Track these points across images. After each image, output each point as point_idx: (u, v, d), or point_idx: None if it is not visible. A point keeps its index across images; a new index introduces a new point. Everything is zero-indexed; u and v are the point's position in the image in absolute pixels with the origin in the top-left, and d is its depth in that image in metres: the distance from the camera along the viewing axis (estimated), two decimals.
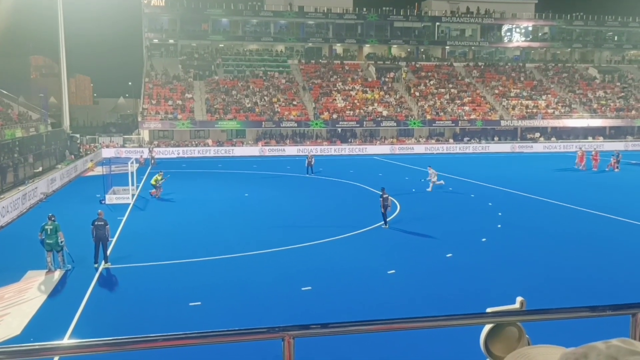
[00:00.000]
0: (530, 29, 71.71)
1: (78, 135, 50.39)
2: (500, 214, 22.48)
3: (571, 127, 59.54)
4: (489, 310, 1.70)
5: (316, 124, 54.56)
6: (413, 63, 67.25)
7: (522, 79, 65.93)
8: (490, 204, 24.84)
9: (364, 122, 55.29)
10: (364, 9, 68.40)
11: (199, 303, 12.35)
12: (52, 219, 15.01)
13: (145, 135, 53.55)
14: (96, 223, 15.27)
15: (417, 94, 60.97)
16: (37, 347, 1.46)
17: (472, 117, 57.67)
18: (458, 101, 60.07)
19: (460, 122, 57.20)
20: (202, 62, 62.46)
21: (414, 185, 30.62)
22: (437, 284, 13.80)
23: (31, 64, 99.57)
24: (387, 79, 63.23)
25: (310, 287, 13.42)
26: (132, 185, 27.38)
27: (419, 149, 54.21)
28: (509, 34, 71.57)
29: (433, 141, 57.12)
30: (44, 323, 11.42)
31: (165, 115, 52.47)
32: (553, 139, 58.81)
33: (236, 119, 53.29)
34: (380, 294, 13.03)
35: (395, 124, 56.25)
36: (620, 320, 1.68)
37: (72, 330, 10.93)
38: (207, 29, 64.81)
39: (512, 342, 1.64)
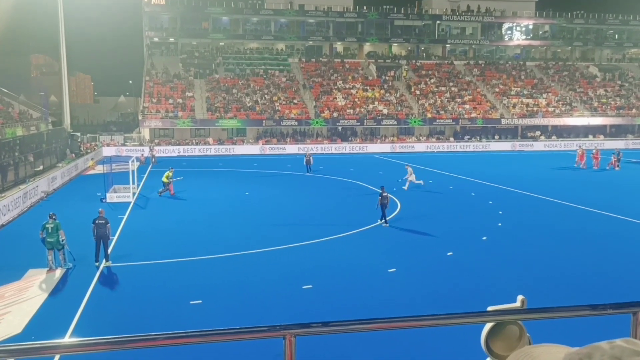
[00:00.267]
0: (530, 27, 71.63)
1: (79, 134, 50.44)
2: (500, 212, 22.48)
3: (572, 126, 59.51)
4: (489, 308, 1.70)
5: (317, 122, 54.55)
6: (413, 61, 67.19)
7: (522, 77, 65.86)
8: (490, 202, 24.84)
9: (365, 121, 55.29)
10: (365, 7, 68.37)
11: (200, 301, 12.35)
12: (53, 217, 15.02)
13: (145, 133, 53.60)
14: (97, 221, 15.28)
15: (418, 92, 60.93)
16: (38, 345, 1.46)
17: (473, 115, 57.64)
18: (458, 99, 60.03)
19: (460, 120, 57.18)
20: (202, 60, 62.44)
21: (389, 181, 29.41)
22: (437, 283, 13.80)
23: (32, 62, 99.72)
24: (387, 78, 63.18)
25: (311, 286, 13.42)
26: (133, 183, 27.41)
27: (420, 147, 54.20)
28: (509, 32, 71.49)
29: (433, 139, 57.13)
30: (45, 321, 11.42)
31: (166, 113, 52.48)
32: (553, 137, 58.79)
33: (237, 117, 53.29)
34: (381, 293, 13.04)
35: (395, 123, 56.25)
36: (621, 319, 1.68)
37: (73, 328, 10.93)
38: (207, 28, 64.79)
39: (513, 341, 1.65)
